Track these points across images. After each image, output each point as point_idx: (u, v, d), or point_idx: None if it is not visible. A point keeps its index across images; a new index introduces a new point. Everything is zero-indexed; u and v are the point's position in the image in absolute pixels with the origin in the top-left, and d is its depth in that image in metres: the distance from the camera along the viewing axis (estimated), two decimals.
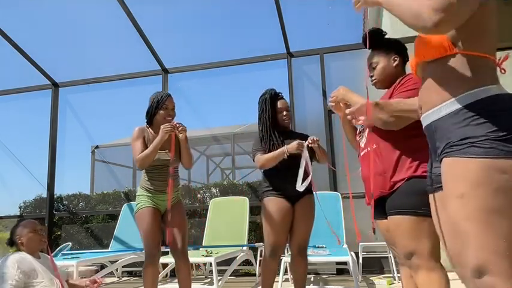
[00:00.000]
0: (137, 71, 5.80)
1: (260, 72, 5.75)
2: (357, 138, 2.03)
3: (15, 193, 6.56)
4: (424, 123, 1.30)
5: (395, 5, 1.23)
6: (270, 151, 2.72)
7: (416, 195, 1.64)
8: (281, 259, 3.30)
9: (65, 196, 6.20)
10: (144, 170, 2.83)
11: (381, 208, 1.84)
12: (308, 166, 2.61)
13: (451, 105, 1.18)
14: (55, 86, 5.99)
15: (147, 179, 2.82)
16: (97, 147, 7.88)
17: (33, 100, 6.32)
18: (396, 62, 1.93)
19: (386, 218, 1.80)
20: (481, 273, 1.06)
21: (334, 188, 4.79)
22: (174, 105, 2.88)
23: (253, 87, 7.00)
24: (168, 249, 2.85)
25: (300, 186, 2.57)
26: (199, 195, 6.00)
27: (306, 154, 2.61)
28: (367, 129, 1.91)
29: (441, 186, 1.22)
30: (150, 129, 2.87)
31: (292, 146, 2.62)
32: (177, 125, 2.74)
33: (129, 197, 5.99)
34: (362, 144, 1.96)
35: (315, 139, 2.63)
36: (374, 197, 1.83)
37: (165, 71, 5.69)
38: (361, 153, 1.95)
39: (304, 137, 2.82)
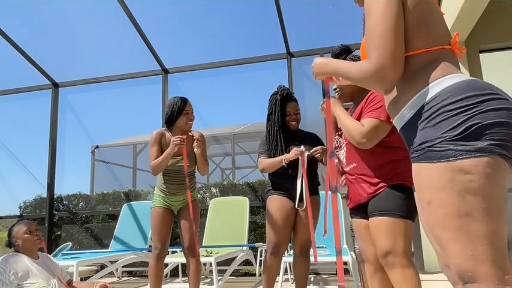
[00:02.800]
0: (137, 71, 5.80)
1: (260, 72, 5.76)
2: (336, 152, 2.15)
3: (15, 193, 6.56)
4: (398, 130, 1.28)
5: (340, 68, 1.29)
6: (273, 154, 2.74)
7: (393, 200, 1.81)
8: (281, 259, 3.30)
9: (65, 196, 6.20)
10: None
11: (360, 209, 1.99)
12: (304, 179, 2.62)
13: (409, 109, 1.15)
14: (55, 86, 5.99)
15: (162, 181, 2.98)
16: (97, 147, 7.88)
17: (33, 100, 6.32)
18: None
19: (365, 218, 1.97)
20: (464, 280, 1.01)
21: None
22: (193, 109, 2.99)
23: (253, 87, 7.02)
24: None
25: (298, 204, 2.64)
26: (199, 195, 6.00)
27: (304, 162, 2.62)
28: (345, 147, 2.03)
29: None
30: (169, 133, 2.97)
31: (290, 154, 2.64)
32: (194, 138, 2.88)
33: (129, 197, 5.99)
34: (343, 160, 2.07)
35: (317, 151, 2.62)
36: (358, 202, 1.98)
37: (165, 71, 5.69)
38: (346, 169, 2.06)
39: (312, 137, 2.86)
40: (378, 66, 1.11)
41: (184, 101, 2.93)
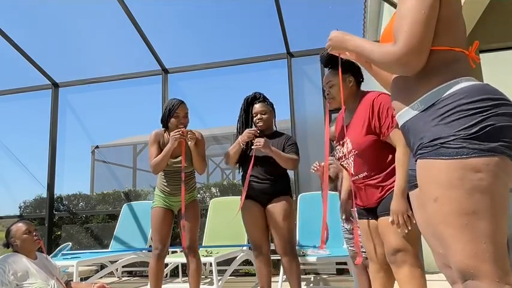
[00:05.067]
0: (137, 71, 5.80)
1: (260, 72, 5.75)
2: (340, 161, 2.12)
3: (15, 193, 6.56)
4: (399, 123, 1.27)
5: (362, 47, 1.26)
6: (239, 156, 2.85)
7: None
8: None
9: (65, 196, 6.20)
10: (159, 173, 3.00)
11: (368, 210, 2.01)
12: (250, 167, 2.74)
13: (420, 104, 1.14)
14: (55, 86, 5.98)
15: (161, 182, 2.99)
16: (97, 147, 7.88)
17: (33, 100, 6.31)
18: (351, 83, 2.06)
19: (372, 219, 1.99)
20: (465, 277, 1.02)
21: (334, 187, 4.78)
22: (187, 112, 2.97)
23: (253, 87, 7.00)
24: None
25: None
26: (199, 195, 6.00)
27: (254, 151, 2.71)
28: (352, 157, 1.99)
29: (417, 184, 1.20)
30: (167, 133, 2.98)
31: (243, 135, 2.75)
32: (187, 132, 2.84)
33: (129, 197, 5.99)
34: (351, 169, 2.03)
35: (257, 143, 2.64)
36: (367, 206, 2.00)
37: (165, 71, 5.68)
38: (353, 179, 2.04)
39: (283, 139, 2.86)
40: (405, 51, 1.11)
41: (178, 103, 2.91)
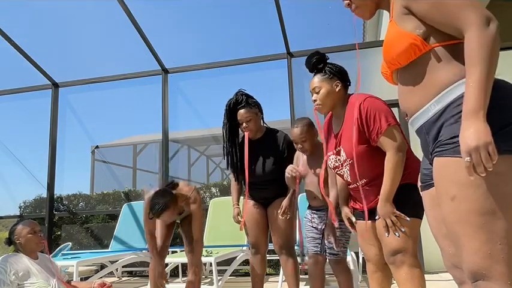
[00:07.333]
0: (137, 71, 5.79)
1: (260, 72, 5.75)
2: (335, 171, 2.09)
3: (15, 193, 6.56)
4: (414, 127, 1.24)
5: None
6: (232, 170, 2.81)
7: (401, 200, 1.79)
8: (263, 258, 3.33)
9: (65, 196, 6.19)
10: None
11: (363, 213, 1.98)
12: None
13: (437, 103, 1.12)
14: (55, 86, 5.98)
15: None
16: (97, 147, 7.87)
17: (33, 100, 6.31)
18: (338, 87, 2.02)
19: (369, 220, 1.96)
20: (476, 278, 1.01)
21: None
22: (165, 220, 2.75)
23: (254, 87, 6.97)
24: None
25: None
26: None
27: None
28: (348, 165, 1.97)
29: (432, 183, 1.18)
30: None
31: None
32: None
33: (129, 197, 5.99)
34: (347, 178, 2.01)
35: (284, 214, 2.57)
36: (367, 208, 1.96)
37: (165, 71, 5.68)
38: (351, 187, 2.03)
39: (277, 144, 2.75)
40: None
41: (155, 215, 2.59)
